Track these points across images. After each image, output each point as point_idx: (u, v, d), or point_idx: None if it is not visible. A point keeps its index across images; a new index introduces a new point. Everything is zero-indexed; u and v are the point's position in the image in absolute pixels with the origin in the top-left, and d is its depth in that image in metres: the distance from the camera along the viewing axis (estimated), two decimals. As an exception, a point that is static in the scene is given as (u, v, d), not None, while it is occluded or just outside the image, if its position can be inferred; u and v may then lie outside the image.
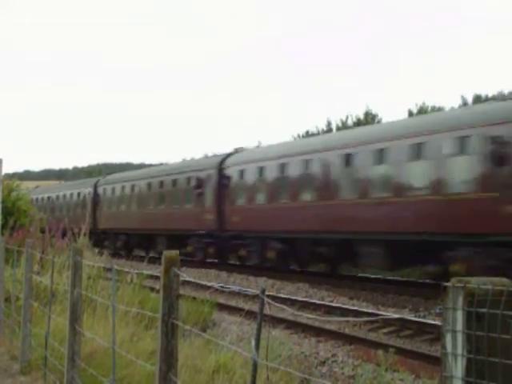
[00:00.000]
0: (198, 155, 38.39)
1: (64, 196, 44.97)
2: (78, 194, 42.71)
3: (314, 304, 16.33)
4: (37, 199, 46.45)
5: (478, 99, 48.71)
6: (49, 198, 47.31)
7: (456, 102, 50.80)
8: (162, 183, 33.03)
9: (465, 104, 47.54)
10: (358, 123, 50.84)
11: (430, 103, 52.56)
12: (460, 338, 1.87)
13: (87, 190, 41.46)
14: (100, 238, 35.79)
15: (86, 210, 35.49)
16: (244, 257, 26.56)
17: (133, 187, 36.25)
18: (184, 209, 30.52)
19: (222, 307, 15.70)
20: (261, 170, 25.49)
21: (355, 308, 15.38)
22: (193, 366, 7.05)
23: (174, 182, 31.82)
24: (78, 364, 6.24)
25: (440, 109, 49.09)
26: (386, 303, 17.01)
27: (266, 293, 3.78)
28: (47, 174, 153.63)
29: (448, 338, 1.90)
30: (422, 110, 50.01)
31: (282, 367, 5.95)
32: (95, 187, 40.79)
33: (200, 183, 29.25)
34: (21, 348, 8.33)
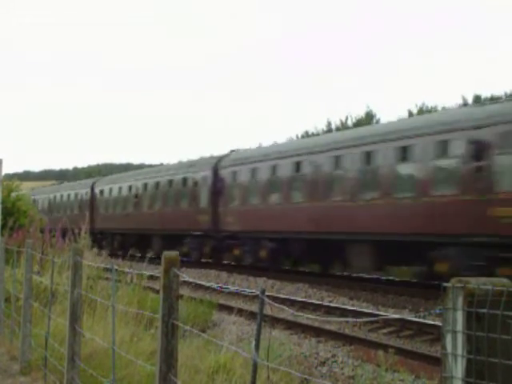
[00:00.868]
0: (198, 155, 38.50)
1: (61, 196, 45.88)
2: (76, 194, 43.59)
3: (314, 304, 16.33)
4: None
5: (477, 99, 48.75)
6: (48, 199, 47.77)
7: (456, 102, 50.78)
8: (157, 184, 33.68)
9: (465, 104, 47.56)
10: (358, 123, 50.86)
11: (430, 103, 52.62)
12: (460, 338, 1.87)
13: (84, 191, 42.58)
14: (97, 239, 35.92)
15: (84, 210, 36.27)
16: (238, 256, 26.99)
17: (130, 188, 36.75)
18: (180, 209, 31.08)
19: (222, 307, 15.69)
20: (253, 171, 26.26)
21: (355, 308, 15.38)
22: (193, 366, 7.05)
23: (170, 183, 32.51)
24: (78, 364, 6.24)
25: (442, 108, 49.09)
26: (386, 303, 17.01)
27: (266, 293, 3.78)
28: (47, 175, 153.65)
29: (448, 338, 1.90)
30: (422, 110, 50.03)
31: (281, 367, 5.95)
32: (92, 188, 41.70)
33: (196, 184, 30.17)
34: (21, 348, 8.33)
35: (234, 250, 27.11)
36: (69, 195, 44.74)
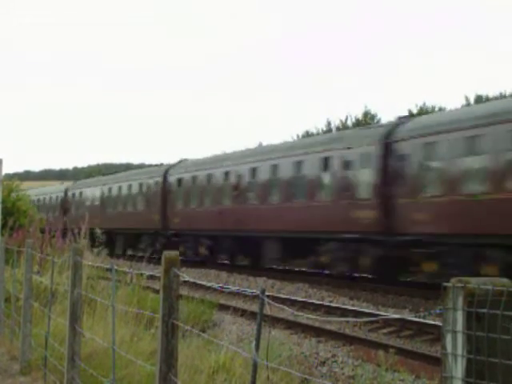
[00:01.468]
0: (198, 155, 38.94)
1: (44, 199, 49.86)
2: (56, 197, 47.52)
3: (314, 304, 16.33)
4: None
5: (479, 99, 48.74)
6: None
7: (456, 102, 50.76)
8: (120, 188, 38.74)
9: (468, 104, 47.55)
10: (358, 123, 50.86)
11: (430, 103, 52.60)
12: (460, 338, 1.87)
13: (61, 194, 46.70)
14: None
15: (59, 212, 43.77)
16: (182, 252, 29.19)
17: (101, 190, 41.67)
18: (137, 211, 36.10)
19: (222, 307, 15.69)
20: (193, 178, 31.19)
21: (355, 308, 15.38)
22: (193, 366, 7.05)
23: (130, 187, 37.37)
24: (78, 364, 6.23)
25: (441, 109, 49.11)
26: (386, 303, 17.01)
27: (266, 293, 3.77)
28: (47, 175, 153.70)
29: (448, 338, 1.90)
30: (423, 110, 49.99)
31: (282, 367, 5.95)
32: (65, 192, 45.61)
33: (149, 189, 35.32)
34: (21, 348, 8.33)
35: (179, 246, 30.22)
36: (50, 197, 48.44)
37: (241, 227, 25.95)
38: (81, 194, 42.79)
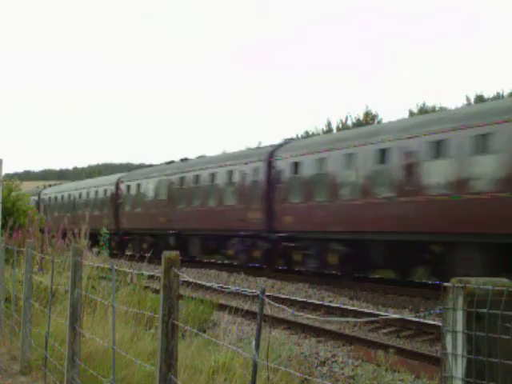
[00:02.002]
0: (198, 155, 39.22)
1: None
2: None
3: (314, 304, 16.32)
4: None
5: (480, 99, 48.74)
6: None
7: (456, 102, 50.75)
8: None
9: (469, 104, 47.55)
10: (358, 123, 50.88)
11: (430, 103, 52.60)
12: (460, 338, 1.87)
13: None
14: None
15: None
16: (130, 249, 36.17)
17: (69, 196, 46.33)
18: (96, 214, 39.89)
19: (222, 307, 15.68)
20: (138, 186, 36.63)
21: (355, 308, 15.36)
22: (193, 366, 7.05)
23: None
24: (78, 364, 6.23)
25: (441, 109, 49.09)
26: (386, 303, 17.01)
27: (266, 293, 3.77)
28: (47, 175, 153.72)
29: (448, 338, 1.90)
30: (423, 110, 50.02)
31: (282, 367, 5.95)
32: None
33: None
34: (21, 348, 8.33)
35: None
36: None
37: (172, 226, 32.19)
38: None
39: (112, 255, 30.07)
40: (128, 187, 37.22)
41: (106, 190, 39.59)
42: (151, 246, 33.01)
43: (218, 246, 29.46)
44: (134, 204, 36.18)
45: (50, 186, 54.38)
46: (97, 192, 40.86)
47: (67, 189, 46.79)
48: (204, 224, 29.53)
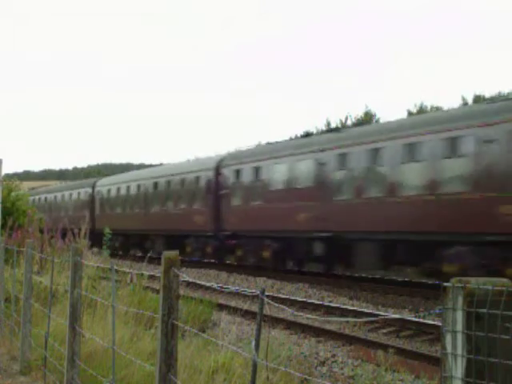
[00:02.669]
0: (198, 155, 39.39)
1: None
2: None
3: (314, 304, 16.32)
4: None
5: (478, 99, 48.72)
6: None
7: (456, 102, 50.75)
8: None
9: (465, 104, 47.52)
10: (358, 123, 50.88)
11: (428, 103, 52.63)
12: (460, 338, 1.87)
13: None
14: None
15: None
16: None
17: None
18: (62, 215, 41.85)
19: (222, 307, 15.69)
20: (108, 191, 39.78)
21: (355, 308, 15.37)
22: (192, 366, 7.05)
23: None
24: (78, 364, 6.23)
25: (439, 109, 49.08)
26: (386, 303, 17.01)
27: (266, 293, 3.77)
28: (47, 175, 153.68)
29: (448, 338, 1.90)
30: (421, 110, 50.03)
31: (281, 367, 5.95)
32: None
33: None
34: (21, 348, 8.32)
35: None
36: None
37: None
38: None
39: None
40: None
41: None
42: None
43: (178, 244, 30.51)
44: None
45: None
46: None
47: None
48: (166, 225, 33.03)
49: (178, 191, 32.46)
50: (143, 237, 35.83)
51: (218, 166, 29.78)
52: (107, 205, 40.39)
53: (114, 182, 40.73)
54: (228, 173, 29.00)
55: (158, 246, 32.76)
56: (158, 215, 34.00)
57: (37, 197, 49.73)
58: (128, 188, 37.86)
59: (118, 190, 38.85)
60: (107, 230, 16.41)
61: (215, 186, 29.64)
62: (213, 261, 30.16)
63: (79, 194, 43.66)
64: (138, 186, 36.92)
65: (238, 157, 29.42)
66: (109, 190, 40.21)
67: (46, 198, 49.42)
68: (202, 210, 30.29)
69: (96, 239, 36.10)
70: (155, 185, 34.87)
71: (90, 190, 42.04)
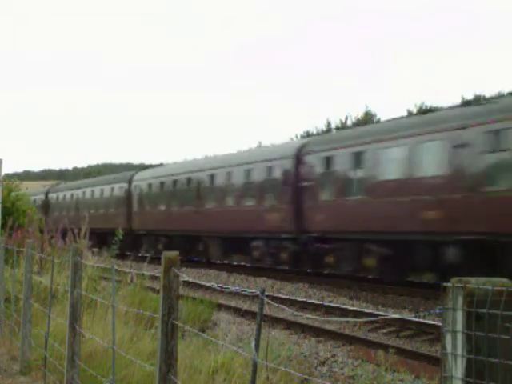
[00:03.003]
0: (198, 155, 39.16)
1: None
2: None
3: (314, 304, 16.32)
4: None
5: (478, 99, 48.64)
6: None
7: (454, 102, 50.72)
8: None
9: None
10: (358, 123, 50.89)
11: (429, 103, 52.60)
12: (460, 338, 1.87)
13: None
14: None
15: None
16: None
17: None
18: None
19: (222, 307, 15.69)
20: (64, 195, 44.93)
21: (355, 308, 15.36)
22: (192, 366, 7.05)
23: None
24: (78, 364, 6.23)
25: (440, 109, 49.02)
26: (386, 303, 17.00)
27: (266, 293, 3.77)
28: (47, 175, 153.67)
29: (448, 338, 1.90)
30: (422, 110, 49.99)
31: (281, 367, 5.95)
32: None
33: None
34: (21, 348, 8.32)
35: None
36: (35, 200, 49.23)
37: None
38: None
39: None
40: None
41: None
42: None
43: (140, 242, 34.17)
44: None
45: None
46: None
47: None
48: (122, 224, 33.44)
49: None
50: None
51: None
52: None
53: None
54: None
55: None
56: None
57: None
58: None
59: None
60: (119, 231, 13.89)
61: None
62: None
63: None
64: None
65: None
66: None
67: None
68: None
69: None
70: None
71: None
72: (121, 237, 13.70)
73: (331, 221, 21.56)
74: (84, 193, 42.56)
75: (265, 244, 25.25)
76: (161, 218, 32.91)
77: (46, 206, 47.10)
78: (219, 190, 28.40)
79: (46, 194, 49.13)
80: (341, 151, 21.65)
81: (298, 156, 24.11)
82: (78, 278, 6.35)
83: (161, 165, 41.21)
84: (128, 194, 36.58)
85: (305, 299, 17.38)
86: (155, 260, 22.44)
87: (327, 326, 13.40)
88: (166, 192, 32.77)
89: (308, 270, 23.58)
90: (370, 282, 20.79)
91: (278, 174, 24.88)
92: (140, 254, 30.72)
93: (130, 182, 36.94)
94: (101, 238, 29.33)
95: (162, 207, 32.98)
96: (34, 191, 51.27)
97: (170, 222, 31.79)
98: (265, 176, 25.61)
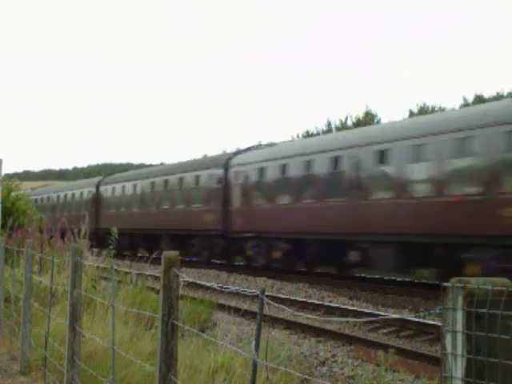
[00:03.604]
0: (198, 156, 39.16)
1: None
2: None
3: (314, 304, 16.32)
4: None
5: (479, 99, 48.68)
6: None
7: (457, 102, 50.71)
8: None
9: (467, 105, 47.48)
10: (358, 123, 50.87)
11: (430, 103, 52.59)
12: (460, 338, 1.87)
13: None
14: None
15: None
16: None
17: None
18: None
19: (222, 307, 15.68)
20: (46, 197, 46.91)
21: (355, 308, 15.36)
22: (192, 366, 7.05)
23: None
24: (78, 364, 6.23)
25: (441, 109, 49.08)
26: (386, 303, 17.00)
27: (266, 293, 3.77)
28: (47, 175, 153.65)
29: (448, 338, 1.90)
30: (423, 110, 50.00)
31: (281, 367, 5.95)
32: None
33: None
34: (21, 348, 8.32)
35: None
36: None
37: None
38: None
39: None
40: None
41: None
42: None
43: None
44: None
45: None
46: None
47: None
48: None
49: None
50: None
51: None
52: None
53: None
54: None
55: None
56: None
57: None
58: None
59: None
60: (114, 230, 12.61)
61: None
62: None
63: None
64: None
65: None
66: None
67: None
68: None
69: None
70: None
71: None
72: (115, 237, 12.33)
73: (245, 223, 26.11)
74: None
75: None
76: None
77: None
78: (172, 193, 31.89)
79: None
80: (249, 167, 25.94)
81: (227, 167, 27.49)
82: (77, 277, 6.35)
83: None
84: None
85: (305, 299, 17.38)
86: (156, 260, 20.72)
87: (327, 326, 13.40)
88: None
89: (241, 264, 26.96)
90: (370, 282, 20.79)
91: (213, 181, 28.30)
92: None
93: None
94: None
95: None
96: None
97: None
98: (207, 183, 28.77)
